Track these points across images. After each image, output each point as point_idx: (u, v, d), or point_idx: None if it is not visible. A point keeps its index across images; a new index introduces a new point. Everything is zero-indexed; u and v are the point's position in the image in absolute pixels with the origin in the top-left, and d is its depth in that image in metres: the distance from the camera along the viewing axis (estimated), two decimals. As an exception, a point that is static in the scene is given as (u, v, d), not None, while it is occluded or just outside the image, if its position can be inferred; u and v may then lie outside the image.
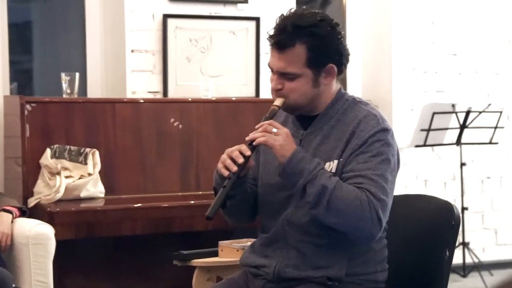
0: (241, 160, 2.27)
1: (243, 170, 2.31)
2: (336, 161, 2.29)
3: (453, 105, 5.07)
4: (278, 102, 2.34)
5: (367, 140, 2.28)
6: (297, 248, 2.33)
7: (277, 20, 2.35)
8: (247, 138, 2.30)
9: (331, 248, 2.31)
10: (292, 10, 2.35)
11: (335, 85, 2.39)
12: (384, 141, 2.29)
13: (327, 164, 2.30)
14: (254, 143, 2.28)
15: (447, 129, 5.06)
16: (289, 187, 2.30)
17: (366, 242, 2.30)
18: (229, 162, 2.27)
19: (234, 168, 2.26)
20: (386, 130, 2.31)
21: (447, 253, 2.44)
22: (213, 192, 2.41)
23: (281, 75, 2.33)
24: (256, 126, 2.31)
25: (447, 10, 5.38)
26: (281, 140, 2.27)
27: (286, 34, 2.30)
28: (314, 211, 2.25)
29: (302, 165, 2.25)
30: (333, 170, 2.29)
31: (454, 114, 5.07)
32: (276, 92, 2.35)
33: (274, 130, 2.28)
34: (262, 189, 2.44)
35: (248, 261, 2.43)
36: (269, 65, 2.37)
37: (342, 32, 2.37)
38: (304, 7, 2.40)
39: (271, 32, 2.34)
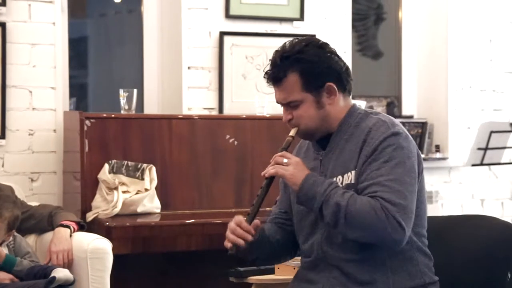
0: (241, 241, 2.34)
1: (256, 233, 2.39)
2: (353, 172, 2.34)
3: (511, 124, 4.99)
4: (292, 132, 2.42)
5: (378, 146, 2.31)
6: (338, 267, 2.36)
7: (271, 56, 2.43)
8: (262, 174, 2.38)
9: (371, 262, 2.33)
10: (285, 44, 2.42)
11: (344, 101, 2.43)
12: (395, 145, 2.31)
13: (346, 175, 2.35)
14: (266, 175, 2.36)
15: (504, 148, 4.99)
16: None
17: (394, 248, 2.30)
18: (232, 238, 2.35)
19: (241, 242, 2.34)
20: (397, 134, 2.33)
21: (509, 275, 2.41)
22: (267, 209, 2.50)
23: (286, 106, 2.41)
24: (271, 160, 2.39)
25: (505, 28, 5.32)
26: (291, 169, 2.34)
27: (276, 67, 2.39)
28: (336, 229, 2.30)
29: (314, 189, 2.31)
30: (352, 181, 2.33)
31: (512, 133, 5.00)
32: (288, 123, 2.42)
33: (285, 160, 2.36)
34: (295, 217, 2.50)
35: None
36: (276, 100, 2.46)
37: (332, 49, 2.42)
38: (295, 38, 2.46)
39: (267, 69, 2.42)
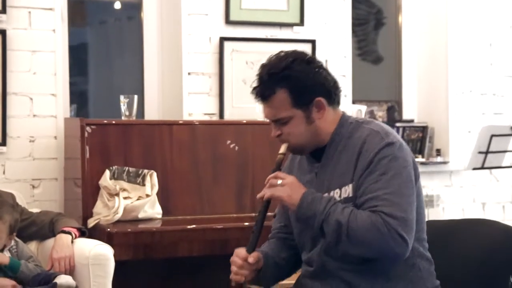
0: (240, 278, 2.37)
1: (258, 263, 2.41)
2: (350, 185, 2.32)
3: (511, 127, 4.99)
4: (282, 149, 2.40)
5: (373, 159, 2.29)
6: (340, 277, 2.35)
7: (258, 71, 2.40)
8: (257, 196, 2.36)
9: (372, 271, 2.32)
10: (271, 58, 2.38)
11: (334, 113, 2.41)
12: (391, 156, 2.29)
13: (344, 189, 2.33)
14: (263, 199, 2.34)
15: (505, 151, 4.99)
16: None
17: (397, 261, 2.30)
18: (236, 278, 2.38)
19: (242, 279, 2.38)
20: (391, 144, 2.31)
21: (511, 279, 2.41)
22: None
23: (275, 122, 2.39)
24: (265, 182, 2.36)
25: (505, 32, 5.33)
26: (287, 190, 2.32)
27: (264, 84, 2.35)
28: (338, 247, 2.29)
29: (313, 208, 2.29)
30: (350, 194, 2.31)
31: (512, 137, 5.00)
32: (277, 138, 2.40)
33: (279, 181, 2.33)
34: (295, 231, 2.50)
35: None
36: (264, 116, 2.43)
37: (320, 64, 2.39)
38: (281, 51, 2.41)
39: (254, 85, 2.39)
